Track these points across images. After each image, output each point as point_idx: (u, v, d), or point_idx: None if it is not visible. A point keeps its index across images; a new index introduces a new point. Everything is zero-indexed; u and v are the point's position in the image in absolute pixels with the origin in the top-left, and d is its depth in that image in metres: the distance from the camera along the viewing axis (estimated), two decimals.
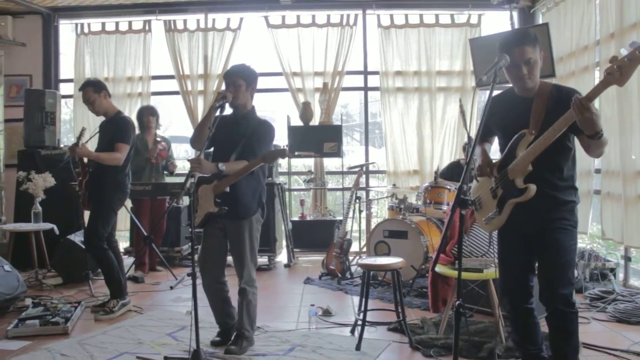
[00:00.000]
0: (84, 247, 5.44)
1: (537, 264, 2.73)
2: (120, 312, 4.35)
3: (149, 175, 6.03)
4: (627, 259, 5.16)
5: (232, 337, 3.53)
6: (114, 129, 4.44)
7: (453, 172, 5.93)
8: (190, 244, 5.71)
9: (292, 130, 6.88)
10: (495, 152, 2.98)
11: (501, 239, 2.86)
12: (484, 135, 2.95)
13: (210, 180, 3.47)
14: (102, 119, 4.60)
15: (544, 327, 2.78)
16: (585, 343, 3.48)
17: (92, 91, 4.41)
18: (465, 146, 5.85)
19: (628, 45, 2.17)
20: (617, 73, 2.16)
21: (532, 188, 2.54)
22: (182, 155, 11.47)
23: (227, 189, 3.39)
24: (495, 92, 2.86)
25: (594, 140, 2.36)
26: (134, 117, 5.38)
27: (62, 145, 6.75)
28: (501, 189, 2.69)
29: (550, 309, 2.60)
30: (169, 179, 6.44)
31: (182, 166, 8.69)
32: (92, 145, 4.78)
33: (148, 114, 6.06)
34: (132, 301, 4.60)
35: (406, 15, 7.11)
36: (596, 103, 4.90)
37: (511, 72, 2.63)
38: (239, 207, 3.44)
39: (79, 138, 4.37)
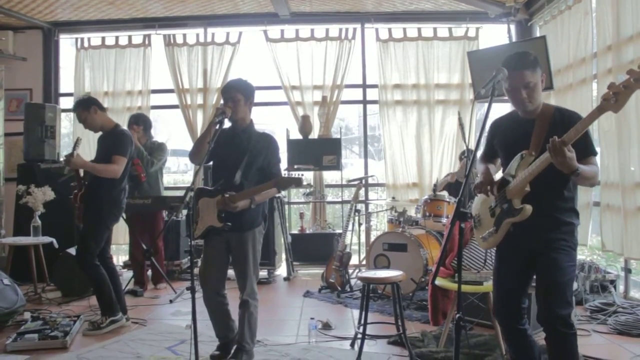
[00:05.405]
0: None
1: (534, 285, 2.70)
2: (108, 329, 4.24)
3: (132, 192, 5.49)
4: (628, 270, 5.16)
5: (232, 351, 3.51)
6: (111, 141, 4.36)
7: (450, 189, 5.94)
8: (189, 257, 5.68)
9: (292, 144, 6.90)
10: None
11: (498, 257, 2.84)
12: (489, 157, 2.97)
13: (213, 193, 3.44)
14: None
15: (541, 340, 2.76)
16: (586, 356, 3.47)
17: (82, 110, 4.33)
18: (462, 155, 5.88)
19: (625, 73, 2.17)
20: (612, 99, 2.18)
21: (528, 209, 2.54)
22: (182, 169, 11.51)
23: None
24: (499, 115, 2.90)
25: (573, 177, 2.40)
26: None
27: (61, 159, 6.75)
28: (499, 208, 2.70)
29: (548, 330, 2.54)
30: (168, 193, 6.41)
31: (182, 179, 8.70)
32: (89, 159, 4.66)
33: (132, 123, 5.79)
34: (130, 316, 4.54)
35: (404, 29, 7.17)
36: None
37: (511, 95, 2.65)
38: (245, 220, 3.43)
39: (74, 148, 4.25)
